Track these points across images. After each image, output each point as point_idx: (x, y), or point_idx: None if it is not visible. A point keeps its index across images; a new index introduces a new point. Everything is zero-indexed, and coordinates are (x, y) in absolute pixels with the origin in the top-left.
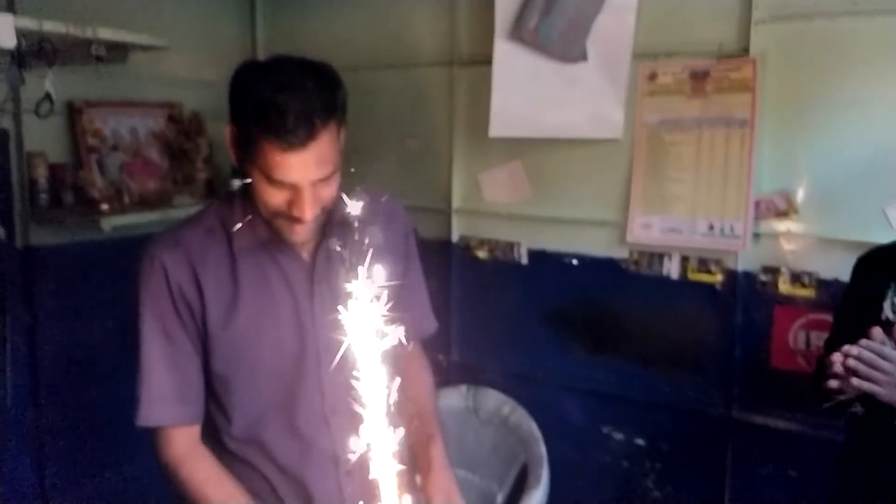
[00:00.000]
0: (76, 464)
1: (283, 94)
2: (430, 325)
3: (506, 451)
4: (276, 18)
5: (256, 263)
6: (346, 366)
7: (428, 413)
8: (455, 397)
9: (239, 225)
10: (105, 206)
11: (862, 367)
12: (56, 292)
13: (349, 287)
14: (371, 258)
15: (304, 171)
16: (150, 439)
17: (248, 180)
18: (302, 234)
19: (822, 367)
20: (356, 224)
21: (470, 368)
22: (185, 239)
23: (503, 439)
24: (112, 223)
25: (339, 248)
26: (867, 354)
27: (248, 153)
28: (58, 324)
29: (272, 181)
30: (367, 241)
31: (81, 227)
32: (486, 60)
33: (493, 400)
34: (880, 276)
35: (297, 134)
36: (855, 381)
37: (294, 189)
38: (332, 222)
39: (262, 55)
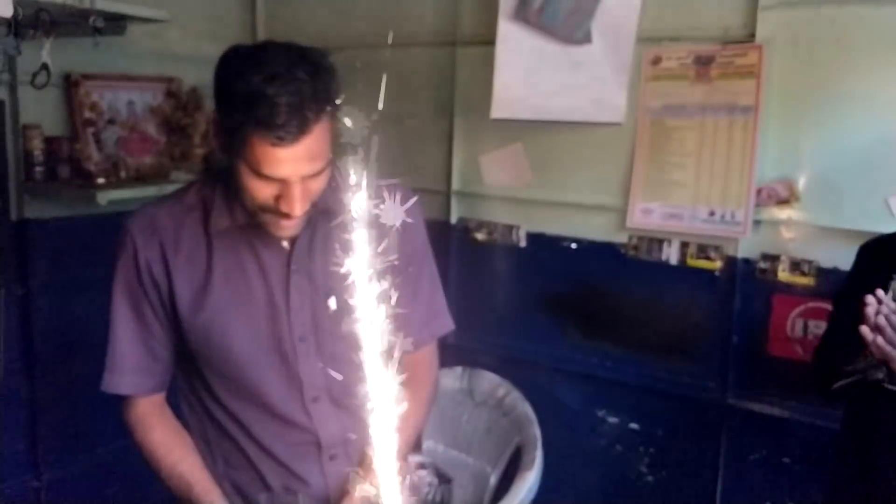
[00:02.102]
0: (69, 437)
1: (273, 86)
2: (442, 324)
3: (500, 432)
4: None
5: (232, 248)
6: (325, 357)
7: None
8: (450, 379)
9: (217, 206)
10: (101, 180)
11: (889, 331)
12: (50, 265)
13: (333, 278)
14: (356, 249)
15: (294, 166)
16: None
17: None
18: (289, 229)
19: (822, 356)
20: (343, 213)
21: (465, 350)
22: (160, 217)
23: (497, 421)
24: (108, 197)
25: (324, 237)
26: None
27: (234, 145)
28: (52, 297)
29: (260, 175)
30: (352, 231)
31: (77, 200)
32: (488, 41)
33: (488, 382)
34: (884, 266)
35: (288, 128)
36: (879, 340)
37: (283, 184)
38: (317, 210)
39: (261, 31)
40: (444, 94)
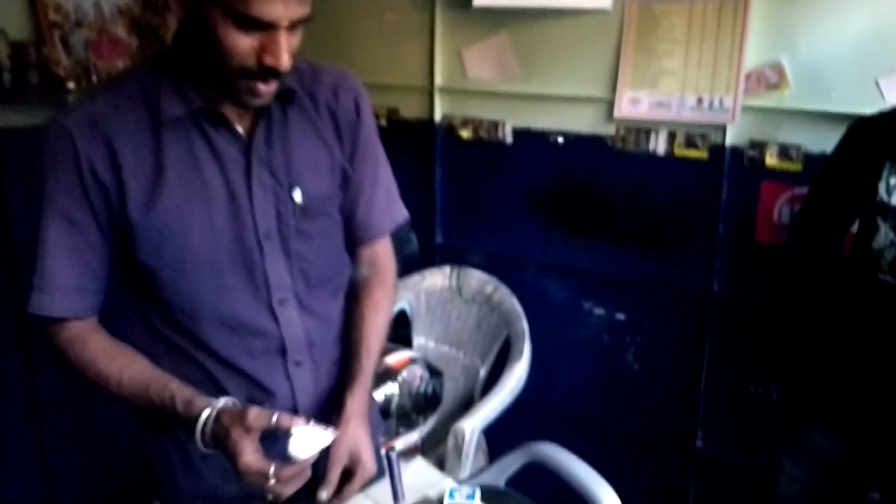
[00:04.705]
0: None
1: None
2: (400, 211)
3: (489, 328)
4: None
5: (184, 138)
6: (290, 255)
7: (363, 346)
8: (439, 278)
9: (165, 92)
10: (71, 85)
11: None
12: (29, 174)
13: (294, 169)
14: (310, 134)
15: (284, 6)
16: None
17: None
18: (266, 96)
19: (800, 235)
20: (298, 94)
21: (453, 250)
22: (101, 110)
23: (486, 317)
24: None
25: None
26: None
27: None
28: (32, 206)
29: (244, 22)
30: (307, 114)
31: (48, 107)
32: None
33: (477, 280)
34: (874, 151)
35: None
36: None
37: (267, 33)
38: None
39: None
40: None
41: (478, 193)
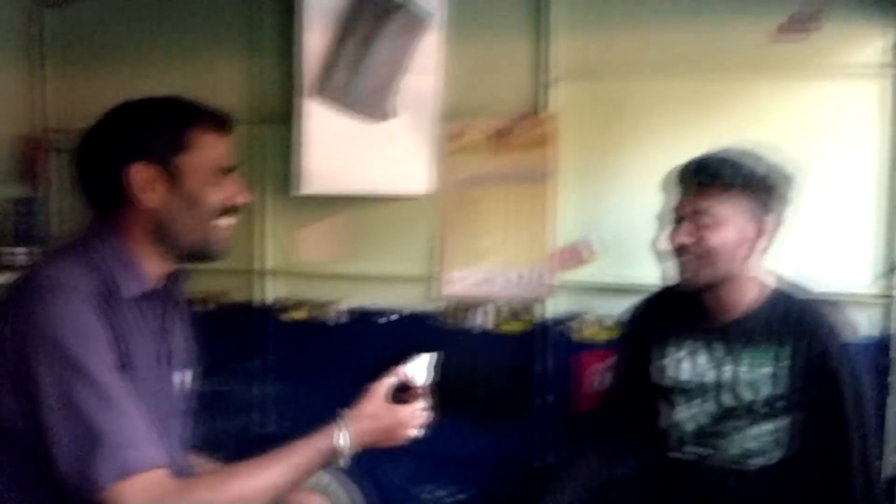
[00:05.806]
0: None
1: (193, 103)
2: None
3: None
4: (66, 74)
5: (134, 311)
6: (191, 418)
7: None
8: None
9: (123, 269)
10: None
11: None
12: None
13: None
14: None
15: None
16: None
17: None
18: (232, 229)
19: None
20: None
21: (287, 439)
22: (81, 270)
23: None
24: None
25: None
26: None
27: (186, 168)
28: None
29: (219, 174)
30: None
31: None
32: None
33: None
34: (651, 331)
35: (227, 119)
36: None
37: (231, 177)
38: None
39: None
40: (252, 173)
41: (313, 378)
